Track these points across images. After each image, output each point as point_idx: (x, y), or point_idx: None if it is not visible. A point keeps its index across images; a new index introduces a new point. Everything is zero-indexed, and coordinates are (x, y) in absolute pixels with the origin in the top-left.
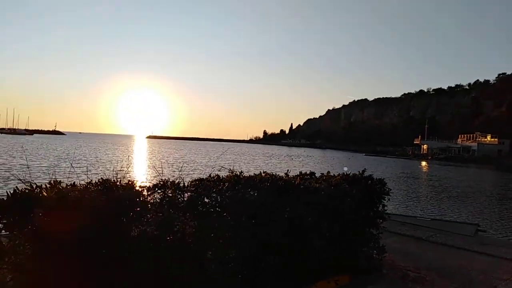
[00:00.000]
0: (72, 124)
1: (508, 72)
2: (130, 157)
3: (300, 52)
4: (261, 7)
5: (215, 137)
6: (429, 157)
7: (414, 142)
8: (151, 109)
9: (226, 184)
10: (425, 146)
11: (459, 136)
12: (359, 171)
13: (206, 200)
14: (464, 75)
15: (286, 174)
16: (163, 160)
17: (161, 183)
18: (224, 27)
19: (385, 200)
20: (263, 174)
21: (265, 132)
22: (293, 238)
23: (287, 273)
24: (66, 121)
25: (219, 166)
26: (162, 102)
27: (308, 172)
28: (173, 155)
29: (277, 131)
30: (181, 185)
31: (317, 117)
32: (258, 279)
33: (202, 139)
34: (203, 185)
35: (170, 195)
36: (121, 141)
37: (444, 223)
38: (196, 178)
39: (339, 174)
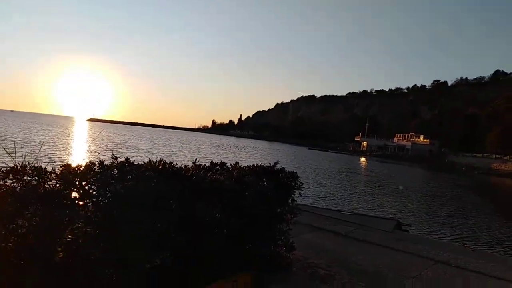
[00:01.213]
0: (3, 102)
1: (442, 80)
2: (66, 140)
3: (254, 45)
4: None
5: (162, 124)
6: (368, 154)
7: (355, 139)
8: (93, 92)
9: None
10: (364, 143)
11: (396, 135)
12: (269, 163)
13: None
14: (403, 79)
15: (194, 162)
16: (102, 144)
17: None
18: (175, 14)
19: (295, 194)
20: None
21: (213, 122)
22: (182, 233)
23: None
24: None
25: (162, 154)
26: (105, 86)
27: (218, 163)
28: (114, 140)
29: (226, 121)
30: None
31: (266, 109)
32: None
33: (147, 125)
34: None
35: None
36: (58, 122)
37: (366, 218)
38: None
39: (253, 165)
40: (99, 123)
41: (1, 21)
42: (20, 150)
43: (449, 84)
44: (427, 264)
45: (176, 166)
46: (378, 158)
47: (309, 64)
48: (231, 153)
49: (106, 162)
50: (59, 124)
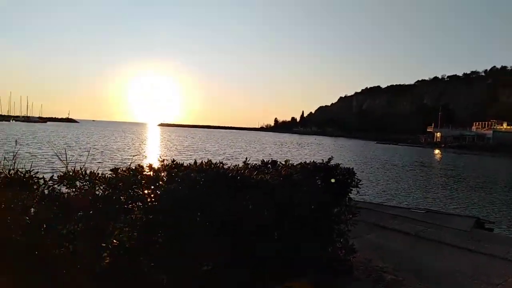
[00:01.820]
0: (85, 112)
1: None
2: (139, 145)
3: (312, 39)
4: None
5: (227, 125)
6: (442, 145)
7: (427, 130)
8: (164, 97)
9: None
10: (438, 134)
11: (474, 123)
12: (322, 160)
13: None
14: (481, 62)
15: (244, 162)
16: (172, 147)
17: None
18: (239, 14)
19: (351, 192)
20: (204, 163)
21: (276, 120)
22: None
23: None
24: (80, 108)
25: (228, 154)
26: (175, 90)
27: (269, 161)
28: (183, 143)
29: (289, 118)
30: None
31: (329, 104)
32: None
33: (213, 127)
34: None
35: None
36: (132, 128)
37: (440, 216)
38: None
39: (304, 162)
40: (169, 127)
41: (71, 34)
42: (71, 155)
43: None
44: (510, 267)
45: (224, 166)
46: (455, 150)
47: (373, 53)
48: (295, 151)
49: (157, 165)
50: (133, 131)
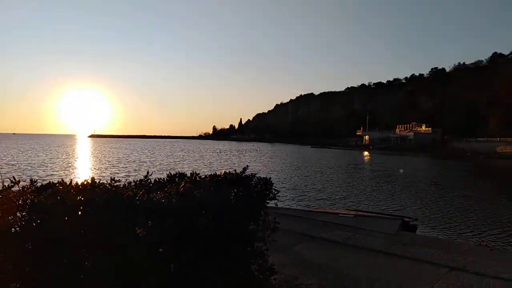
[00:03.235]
0: (4, 125)
1: (440, 67)
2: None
3: (249, 48)
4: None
5: (164, 134)
6: (371, 147)
7: (357, 133)
8: (92, 109)
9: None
10: (367, 137)
11: (398, 126)
12: (235, 170)
13: None
14: (401, 70)
15: (146, 176)
16: (103, 160)
17: None
18: (167, 20)
19: (268, 204)
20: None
21: (214, 128)
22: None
23: None
24: None
25: (166, 164)
26: (104, 101)
27: (177, 174)
28: (116, 154)
29: (227, 126)
30: None
31: (266, 112)
32: None
33: (150, 136)
34: None
35: None
36: (61, 141)
37: (367, 220)
38: None
39: (212, 174)
40: (101, 138)
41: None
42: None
43: (447, 71)
44: (439, 273)
45: (115, 183)
46: (382, 151)
47: (306, 63)
48: (235, 158)
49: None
50: (61, 143)
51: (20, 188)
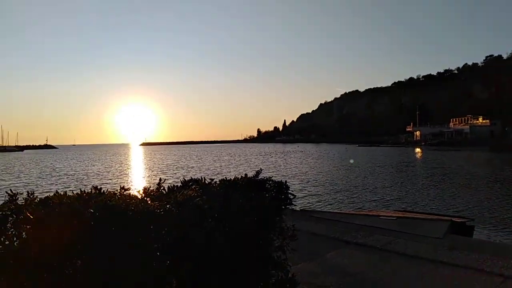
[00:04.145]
0: (65, 137)
1: (495, 54)
2: (119, 167)
3: (289, 48)
4: (250, 4)
5: (211, 139)
6: (422, 143)
7: (407, 130)
8: (143, 118)
9: None
10: (417, 133)
11: (451, 120)
12: (245, 173)
13: None
14: (453, 60)
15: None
16: (154, 167)
17: None
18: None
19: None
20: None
21: (259, 131)
22: None
23: None
24: (59, 134)
25: (213, 169)
26: (157, 109)
27: (191, 179)
28: (165, 161)
29: (271, 128)
30: None
31: (310, 111)
32: None
33: (197, 142)
34: None
35: None
36: (116, 149)
37: (411, 222)
38: None
39: (225, 178)
40: (152, 146)
41: (57, 66)
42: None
43: (505, 58)
44: (492, 283)
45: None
46: (435, 147)
47: (349, 58)
48: (281, 160)
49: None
50: (115, 152)
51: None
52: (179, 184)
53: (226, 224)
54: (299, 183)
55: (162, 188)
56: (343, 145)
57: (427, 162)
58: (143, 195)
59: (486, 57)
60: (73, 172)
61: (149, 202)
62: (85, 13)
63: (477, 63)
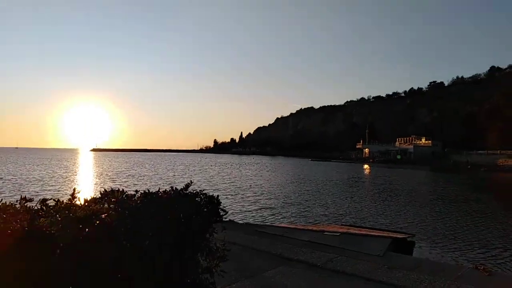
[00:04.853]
0: (6, 139)
1: (438, 80)
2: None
3: (249, 63)
4: (210, 11)
5: (163, 148)
6: (371, 160)
7: (357, 147)
8: (94, 123)
9: None
10: (366, 150)
11: (397, 139)
12: (171, 187)
13: None
14: (401, 83)
15: (72, 195)
16: (103, 174)
17: None
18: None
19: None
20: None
21: (215, 141)
22: None
23: None
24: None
25: (167, 179)
26: (105, 115)
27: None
28: (117, 168)
29: (228, 140)
30: None
31: (267, 125)
32: None
33: (149, 150)
34: None
35: None
36: (63, 155)
37: (353, 239)
38: None
39: (145, 191)
40: (103, 152)
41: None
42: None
43: (446, 85)
44: None
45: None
46: (382, 164)
47: (306, 76)
48: (236, 171)
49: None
50: (62, 157)
51: None
52: (99, 196)
53: (137, 244)
54: (253, 195)
55: (75, 199)
56: (297, 159)
57: (376, 178)
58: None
59: (430, 83)
60: (11, 177)
61: (40, 220)
62: (25, 5)
63: (421, 88)
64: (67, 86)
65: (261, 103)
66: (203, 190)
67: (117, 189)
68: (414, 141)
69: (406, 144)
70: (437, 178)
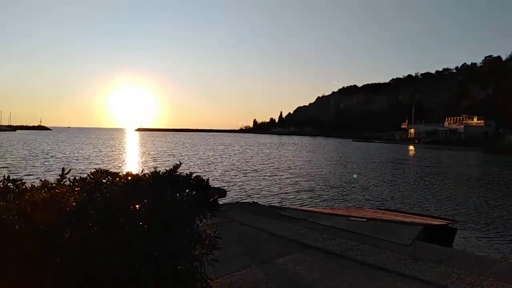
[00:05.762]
0: (60, 119)
1: (494, 55)
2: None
3: (290, 41)
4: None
5: (205, 128)
6: (416, 141)
7: (402, 127)
8: (139, 104)
9: None
10: (412, 130)
11: (446, 119)
12: (154, 168)
13: None
14: (452, 59)
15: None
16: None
17: None
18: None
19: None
20: None
21: (255, 121)
22: None
23: None
24: (54, 116)
25: (208, 158)
26: (153, 95)
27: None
28: (159, 148)
29: (267, 119)
30: None
31: (307, 104)
32: None
33: (191, 130)
34: None
35: None
36: (110, 134)
37: (381, 225)
38: None
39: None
40: (147, 131)
41: (57, 48)
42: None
43: (504, 59)
44: None
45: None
46: (428, 145)
47: (349, 53)
48: (275, 151)
49: None
50: (109, 137)
51: None
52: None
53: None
54: (291, 177)
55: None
56: (338, 139)
57: (421, 160)
58: None
59: (485, 57)
60: (62, 155)
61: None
62: None
63: (475, 63)
64: (116, 68)
65: (302, 82)
66: (241, 170)
67: (99, 169)
68: (465, 120)
69: (456, 123)
70: (490, 160)
